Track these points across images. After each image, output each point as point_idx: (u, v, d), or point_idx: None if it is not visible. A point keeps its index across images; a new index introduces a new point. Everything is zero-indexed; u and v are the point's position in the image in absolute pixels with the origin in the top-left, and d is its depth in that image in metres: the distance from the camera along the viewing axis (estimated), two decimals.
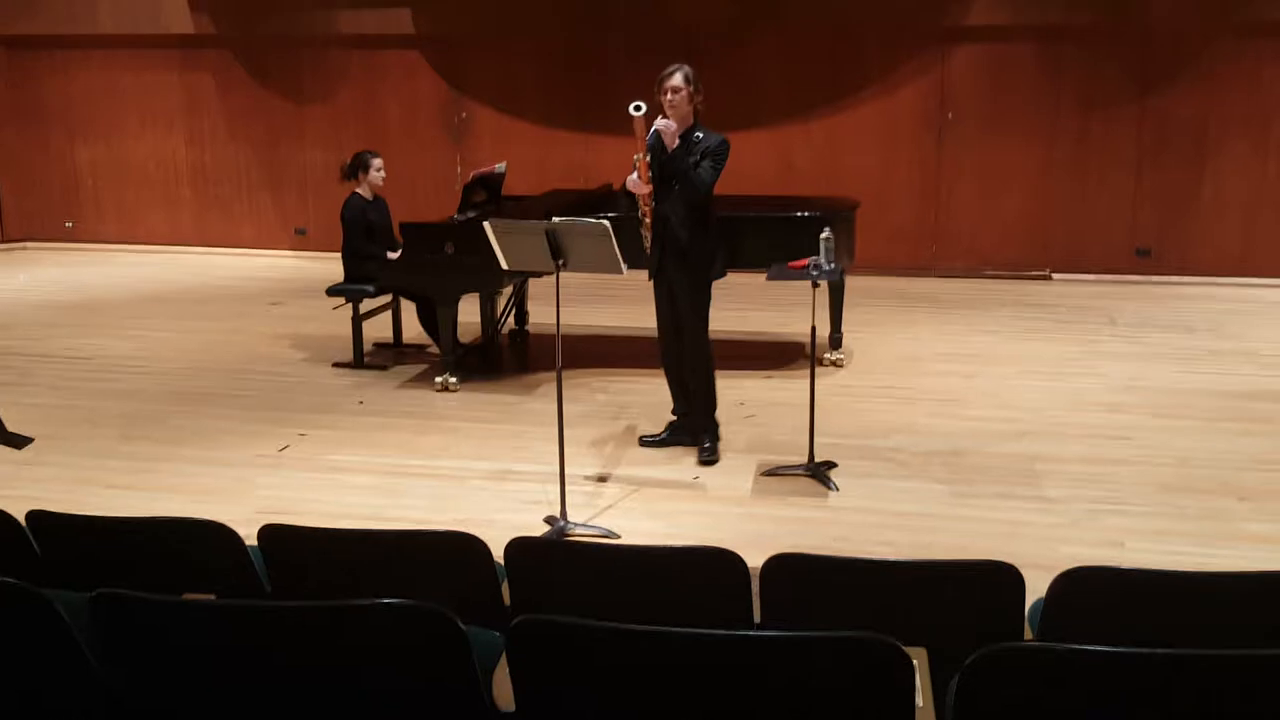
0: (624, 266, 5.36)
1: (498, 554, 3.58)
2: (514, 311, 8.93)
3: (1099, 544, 5.18)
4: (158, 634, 2.82)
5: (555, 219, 5.36)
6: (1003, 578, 3.24)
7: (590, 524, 5.46)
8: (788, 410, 6.92)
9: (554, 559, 3.73)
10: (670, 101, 5.93)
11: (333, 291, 8.22)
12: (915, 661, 2.50)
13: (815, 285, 6.04)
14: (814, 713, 2.52)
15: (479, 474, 6.18)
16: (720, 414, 6.52)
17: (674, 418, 6.53)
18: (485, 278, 7.42)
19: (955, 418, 6.97)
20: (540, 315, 8.83)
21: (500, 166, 8.33)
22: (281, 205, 12.49)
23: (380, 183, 8.23)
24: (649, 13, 11.10)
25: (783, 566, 3.32)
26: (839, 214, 7.57)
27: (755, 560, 3.37)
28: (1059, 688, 2.45)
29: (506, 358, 8.57)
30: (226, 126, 12.47)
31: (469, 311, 7.96)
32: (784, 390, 7.44)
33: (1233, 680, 2.40)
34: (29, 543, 3.81)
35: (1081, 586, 3.20)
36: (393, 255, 7.92)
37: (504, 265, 5.61)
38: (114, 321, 9.73)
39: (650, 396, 7.03)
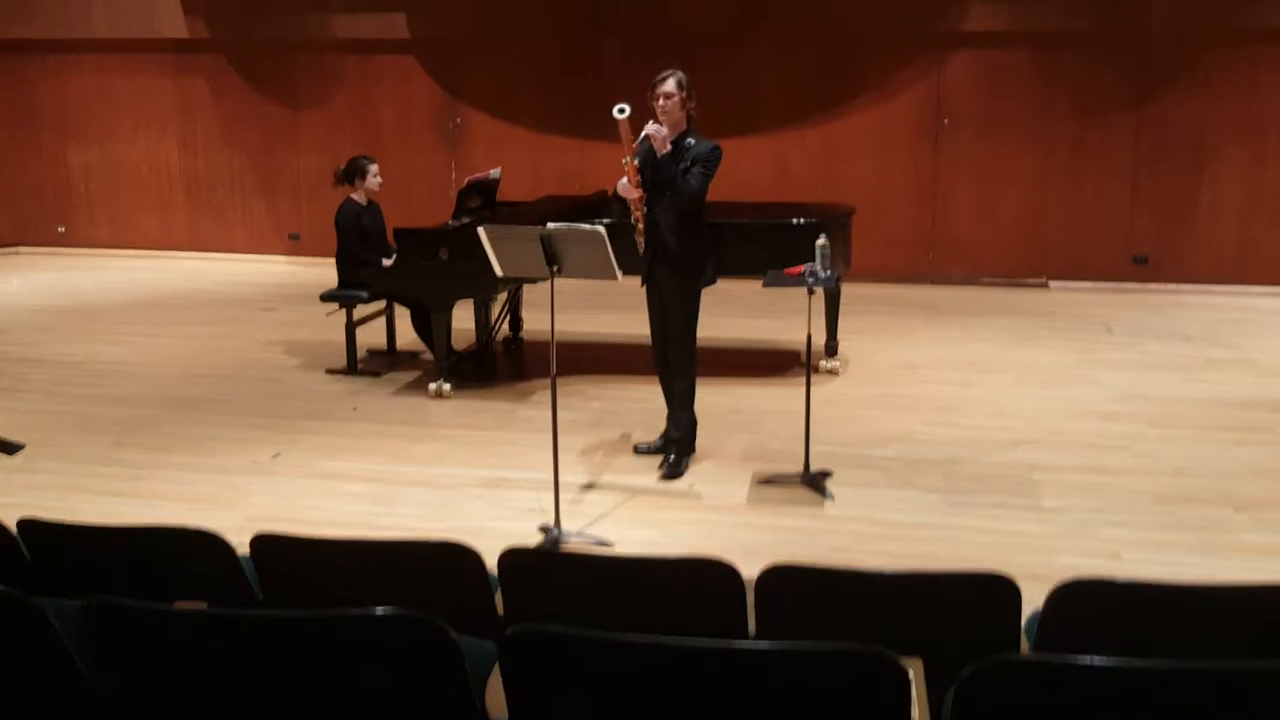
0: (619, 273, 5.34)
1: (491, 563, 3.55)
2: (508, 318, 8.90)
3: (1096, 554, 5.16)
4: (149, 643, 2.80)
5: (550, 225, 5.35)
6: (999, 589, 3.22)
7: (584, 533, 5.42)
8: (783, 418, 6.90)
9: (548, 568, 3.71)
10: (663, 107, 5.91)
11: (326, 297, 8.19)
12: (911, 673, 2.48)
13: (811, 292, 6.02)
14: None
15: (473, 482, 6.15)
16: (713, 422, 6.48)
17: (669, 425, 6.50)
18: (480, 284, 7.40)
19: (952, 426, 6.95)
20: (535, 322, 8.81)
21: (495, 172, 8.32)
22: (275, 210, 12.47)
23: (377, 188, 8.21)
24: (644, 18, 11.10)
25: (778, 576, 3.30)
26: (835, 221, 7.56)
27: (750, 570, 3.35)
28: (1056, 700, 2.43)
29: (501, 365, 8.54)
30: (220, 131, 12.46)
31: (463, 318, 7.94)
32: (780, 398, 7.41)
33: (1230, 693, 2.39)
34: (20, 550, 3.79)
35: (1078, 598, 3.18)
36: (387, 261, 7.90)
37: (498, 271, 5.59)
38: (107, 327, 9.70)
39: (645, 404, 7.01)
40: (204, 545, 3.61)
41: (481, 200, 8.14)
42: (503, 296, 8.55)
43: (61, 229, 13.03)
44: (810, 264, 6.01)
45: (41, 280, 11.75)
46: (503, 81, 11.74)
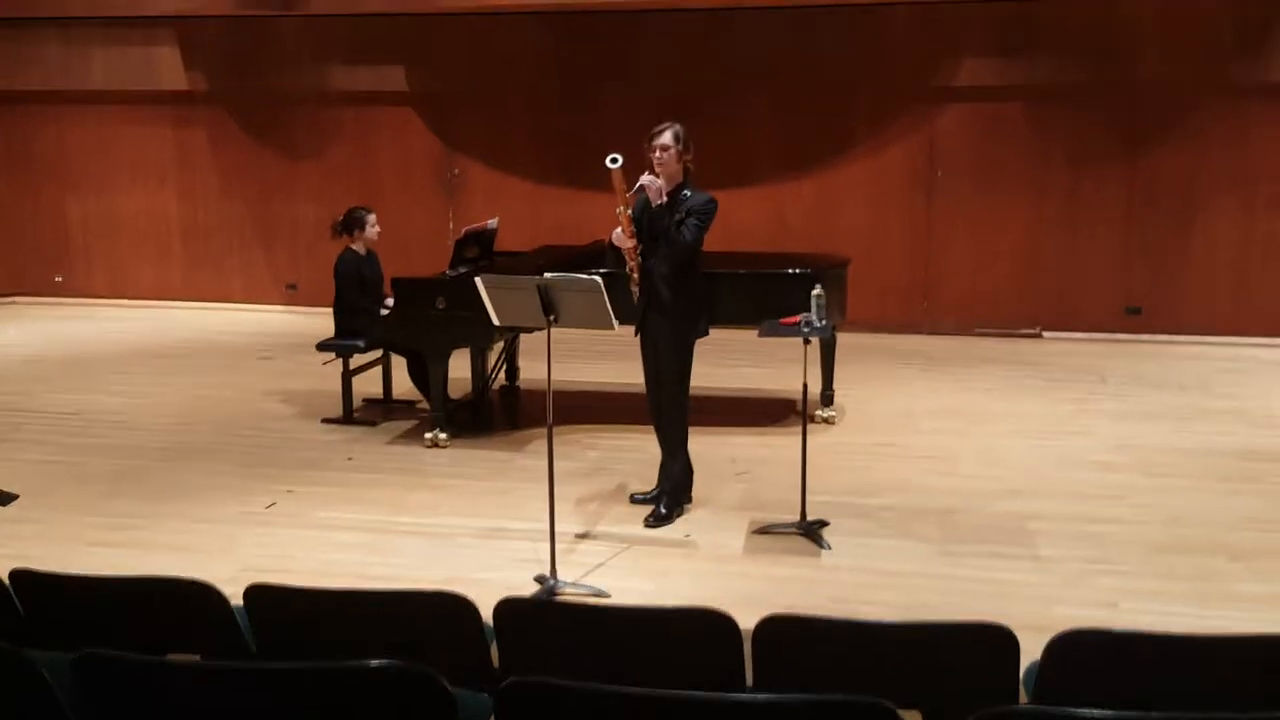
0: (615, 322, 5.36)
1: (487, 613, 3.54)
2: (505, 367, 8.91)
3: (1092, 604, 5.15)
4: (142, 696, 2.79)
5: (547, 274, 5.37)
6: (997, 639, 3.22)
7: (580, 583, 5.40)
8: (779, 468, 6.89)
9: (544, 619, 3.70)
10: (659, 159, 5.95)
11: (323, 346, 8.20)
12: None
13: (807, 342, 6.03)
14: None
15: (469, 531, 6.13)
16: (709, 471, 6.47)
17: None
18: (476, 333, 7.41)
19: (947, 476, 6.94)
20: (531, 371, 8.81)
21: (492, 222, 8.35)
22: (273, 260, 12.50)
23: (375, 238, 8.24)
24: (640, 73, 11.20)
25: (775, 627, 3.30)
26: (830, 271, 7.59)
27: (747, 620, 3.34)
28: None
29: (497, 414, 8.53)
30: (219, 182, 12.50)
31: (460, 367, 7.94)
32: (776, 447, 7.41)
33: None
34: (12, 601, 3.77)
35: (1076, 648, 3.18)
36: (386, 310, 7.91)
37: (495, 321, 5.60)
38: (102, 377, 9.68)
39: (641, 453, 7.00)
40: (197, 596, 3.60)
41: (479, 250, 8.17)
42: (499, 345, 8.57)
43: (59, 279, 13.04)
44: (806, 314, 6.02)
45: (38, 330, 11.74)
46: (500, 132, 11.81)
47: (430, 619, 3.59)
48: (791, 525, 6.00)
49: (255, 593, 3.62)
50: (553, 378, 5.39)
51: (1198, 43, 10.21)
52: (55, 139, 12.80)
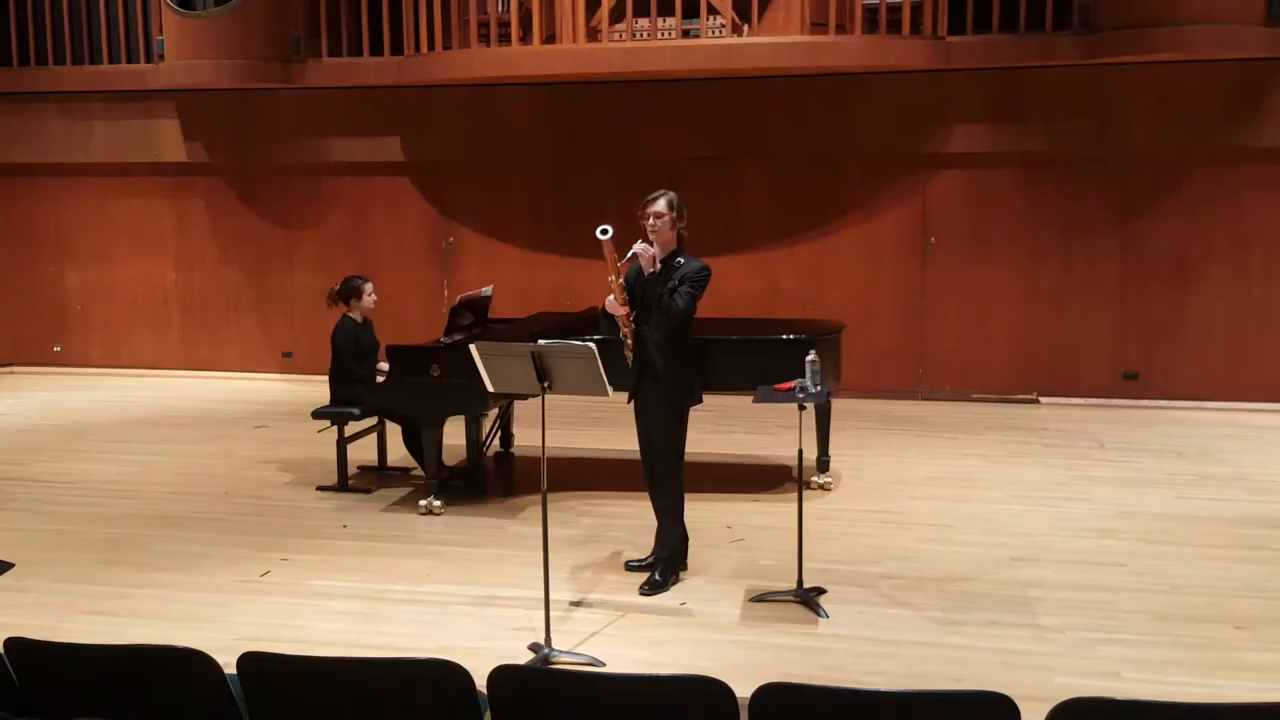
0: (609, 389, 5.36)
1: (481, 681, 3.51)
2: (499, 434, 8.89)
3: (1095, 674, 5.09)
4: None
5: (540, 342, 5.38)
6: (998, 708, 3.18)
7: (575, 651, 5.35)
8: (775, 534, 6.85)
9: (538, 688, 3.67)
10: (652, 226, 5.99)
11: (318, 414, 8.19)
12: None
13: (802, 408, 6.03)
14: None
15: (463, 599, 6.08)
16: (705, 538, 6.43)
17: None
18: (471, 400, 7.41)
19: (945, 543, 6.90)
20: (526, 437, 8.79)
21: (487, 290, 8.37)
22: (268, 328, 12.52)
23: (372, 306, 8.26)
24: (633, 143, 11.29)
25: (772, 696, 3.27)
26: (824, 337, 7.60)
27: (744, 689, 3.31)
28: None
29: (492, 481, 8.50)
30: (216, 251, 12.55)
31: (454, 434, 7.92)
32: (771, 514, 7.37)
33: None
34: (7, 670, 3.76)
35: (1079, 718, 3.13)
36: (381, 374, 7.90)
37: (490, 388, 5.60)
38: (98, 446, 9.66)
39: (636, 520, 6.96)
40: (191, 664, 3.59)
41: (473, 317, 8.18)
42: (494, 412, 8.55)
43: (58, 348, 13.05)
44: (801, 380, 6.03)
45: (35, 399, 11.73)
46: (495, 201, 11.89)
47: (424, 687, 3.58)
48: (789, 593, 5.96)
49: (249, 661, 3.60)
50: (547, 444, 5.38)
51: (1189, 110, 10.30)
52: (54, 210, 12.86)
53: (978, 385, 11.00)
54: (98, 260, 12.84)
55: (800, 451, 6.07)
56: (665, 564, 6.24)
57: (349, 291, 8.20)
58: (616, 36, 9.90)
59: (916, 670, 5.16)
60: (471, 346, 5.56)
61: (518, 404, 8.74)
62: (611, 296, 6.00)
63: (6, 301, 13.05)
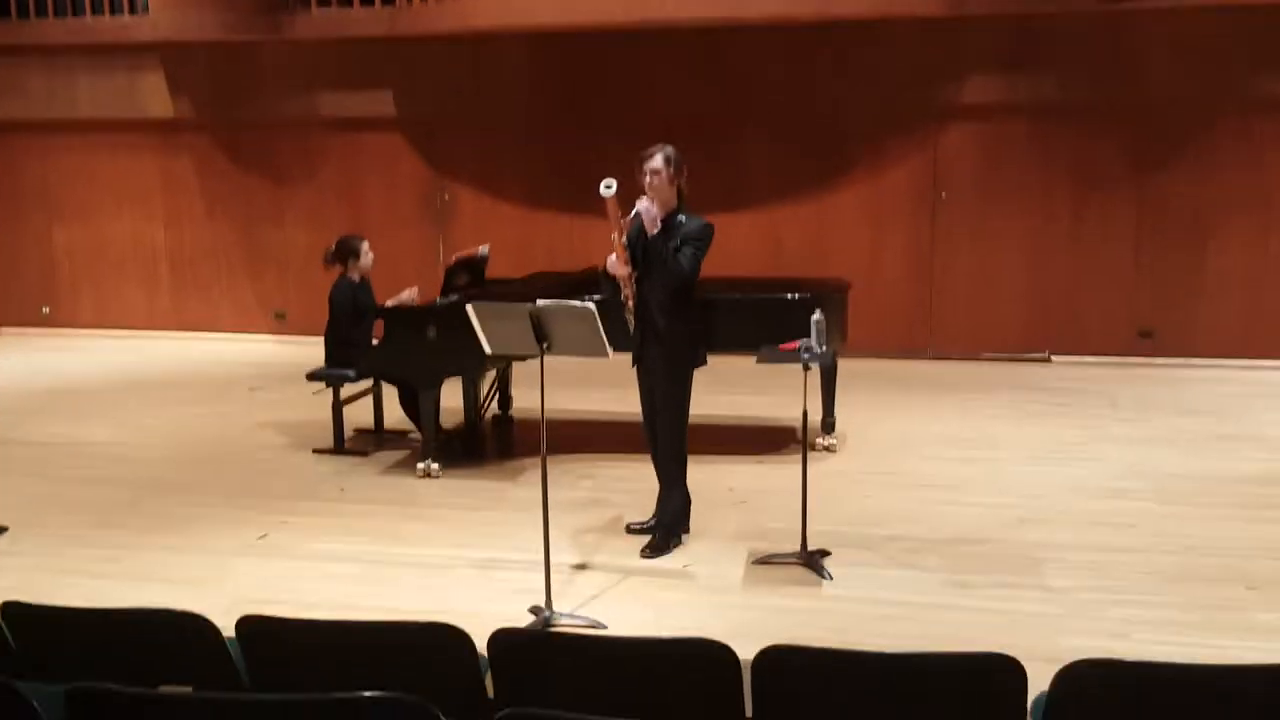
0: (610, 350, 5.26)
1: (481, 645, 3.48)
2: (497, 396, 8.81)
3: (1104, 635, 5.02)
4: None
5: (540, 302, 5.27)
6: (1005, 670, 3.14)
7: (576, 614, 5.29)
8: (779, 497, 6.77)
9: (539, 650, 3.65)
10: (650, 183, 5.82)
11: (313, 376, 8.10)
12: None
13: (807, 368, 5.92)
14: None
15: (462, 562, 6.03)
16: (708, 501, 6.35)
17: None
18: (468, 362, 7.33)
19: (953, 504, 6.82)
20: (524, 400, 8.71)
21: (483, 249, 8.27)
22: (261, 289, 12.44)
23: (369, 266, 8.17)
24: (633, 94, 11.13)
25: (775, 659, 3.24)
26: (830, 295, 7.49)
27: (747, 652, 3.26)
28: None
29: (490, 443, 8.45)
30: (205, 209, 12.45)
31: (452, 396, 7.84)
32: (775, 476, 7.29)
33: None
34: (4, 634, 3.77)
35: (1086, 680, 3.10)
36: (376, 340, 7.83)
37: (487, 349, 5.51)
38: (91, 408, 9.61)
39: (637, 483, 6.88)
40: (190, 627, 3.59)
41: (470, 278, 8.08)
42: (492, 374, 8.46)
43: (46, 309, 12.99)
44: (806, 339, 5.92)
45: (26, 361, 11.68)
46: (490, 158, 11.75)
47: (424, 650, 3.55)
48: (792, 555, 5.88)
49: (248, 624, 3.59)
50: (546, 406, 5.28)
51: (1209, 59, 10.09)
52: (40, 168, 12.77)
53: (988, 344, 10.88)
54: (85, 219, 12.76)
55: (805, 413, 5.97)
56: (667, 526, 6.16)
57: (346, 251, 8.10)
58: None
59: (922, 632, 5.08)
60: (469, 307, 5.47)
61: (516, 365, 8.65)
62: (613, 256, 5.87)
63: None
